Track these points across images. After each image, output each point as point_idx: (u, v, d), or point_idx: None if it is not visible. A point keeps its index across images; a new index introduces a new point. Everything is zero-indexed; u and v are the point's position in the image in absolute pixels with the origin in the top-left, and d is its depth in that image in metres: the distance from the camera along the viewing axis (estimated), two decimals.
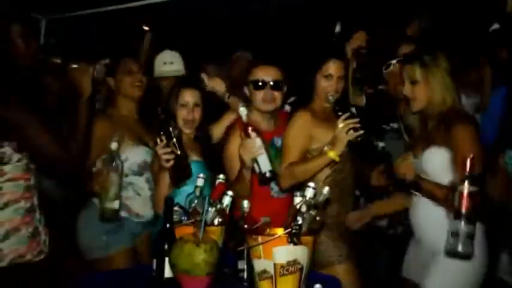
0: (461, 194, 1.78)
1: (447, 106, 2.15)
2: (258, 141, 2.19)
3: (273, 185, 2.48)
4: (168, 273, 1.77)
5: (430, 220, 2.16)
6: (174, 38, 3.61)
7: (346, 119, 2.16)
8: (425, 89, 2.18)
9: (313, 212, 1.69)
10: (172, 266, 1.70)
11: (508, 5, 3.48)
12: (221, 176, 2.16)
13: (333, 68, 2.40)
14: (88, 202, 2.61)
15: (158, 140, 2.20)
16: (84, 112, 2.13)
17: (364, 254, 2.87)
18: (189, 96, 2.56)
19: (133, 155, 2.60)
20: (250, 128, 2.21)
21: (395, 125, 3.04)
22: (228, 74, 3.72)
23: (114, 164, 2.24)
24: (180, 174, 2.23)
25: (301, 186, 2.22)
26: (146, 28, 3.50)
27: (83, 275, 2.15)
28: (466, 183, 1.78)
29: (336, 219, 2.38)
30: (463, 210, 1.78)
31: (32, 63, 2.20)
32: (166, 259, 1.76)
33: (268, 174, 2.19)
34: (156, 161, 2.32)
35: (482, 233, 2.08)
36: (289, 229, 1.61)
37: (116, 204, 2.26)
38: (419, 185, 2.14)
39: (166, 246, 1.78)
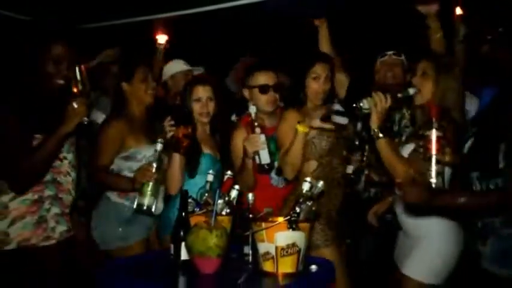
0: (430, 139, 1.99)
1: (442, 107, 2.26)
2: (262, 137, 2.47)
3: (272, 175, 2.78)
4: (184, 256, 1.98)
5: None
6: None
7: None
8: (433, 84, 2.34)
9: (309, 203, 1.95)
10: (189, 249, 1.93)
11: None
12: (229, 172, 2.43)
13: (320, 69, 2.61)
14: (103, 197, 2.82)
15: (168, 118, 2.61)
16: (56, 142, 2.11)
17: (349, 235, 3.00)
18: (201, 92, 2.81)
19: (147, 153, 2.78)
20: (256, 125, 2.49)
21: None
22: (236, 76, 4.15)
23: (156, 164, 2.46)
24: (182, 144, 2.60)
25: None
26: (161, 41, 3.77)
27: (110, 261, 2.36)
28: (434, 129, 1.99)
29: (324, 208, 2.55)
30: (433, 152, 1.98)
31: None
32: (183, 244, 1.97)
33: (266, 166, 2.49)
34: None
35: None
36: (289, 217, 1.87)
37: (152, 200, 2.45)
38: None
39: (182, 233, 1.99)
